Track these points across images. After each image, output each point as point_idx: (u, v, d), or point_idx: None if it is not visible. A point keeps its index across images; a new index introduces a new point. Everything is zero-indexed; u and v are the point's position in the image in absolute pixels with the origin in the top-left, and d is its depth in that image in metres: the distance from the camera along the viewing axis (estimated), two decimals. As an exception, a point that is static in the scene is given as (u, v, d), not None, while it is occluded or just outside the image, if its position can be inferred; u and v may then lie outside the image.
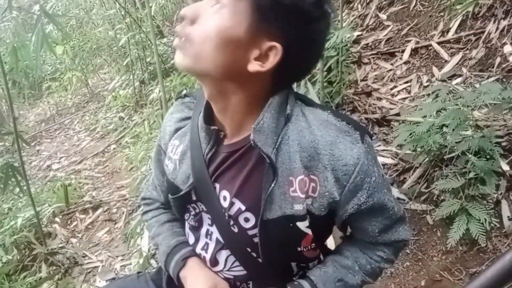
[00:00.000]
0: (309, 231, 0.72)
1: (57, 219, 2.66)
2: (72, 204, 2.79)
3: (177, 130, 0.83)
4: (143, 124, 3.33)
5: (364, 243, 0.80)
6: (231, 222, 0.75)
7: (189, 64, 0.67)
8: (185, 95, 0.87)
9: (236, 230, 0.75)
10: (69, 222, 2.69)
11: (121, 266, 2.17)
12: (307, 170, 0.69)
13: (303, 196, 0.69)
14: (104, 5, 4.41)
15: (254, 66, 0.65)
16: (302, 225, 0.71)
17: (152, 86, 3.80)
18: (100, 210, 2.70)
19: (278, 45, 0.63)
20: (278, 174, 0.69)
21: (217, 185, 0.76)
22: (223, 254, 0.79)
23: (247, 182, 0.72)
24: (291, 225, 0.71)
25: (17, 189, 2.21)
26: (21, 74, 4.45)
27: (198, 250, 0.83)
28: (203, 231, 0.82)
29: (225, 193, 0.74)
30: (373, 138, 0.76)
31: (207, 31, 0.64)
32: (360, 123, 0.76)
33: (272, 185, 0.68)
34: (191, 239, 0.85)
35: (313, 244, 0.76)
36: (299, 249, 0.75)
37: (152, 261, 1.99)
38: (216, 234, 0.79)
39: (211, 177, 0.75)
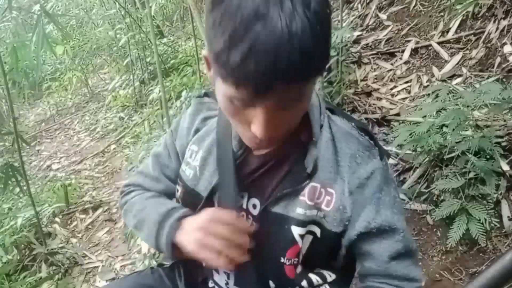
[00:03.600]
0: (299, 241, 0.71)
1: (57, 219, 2.66)
2: (72, 204, 2.79)
3: (196, 131, 0.81)
4: (143, 124, 3.33)
5: (373, 276, 0.73)
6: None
7: (277, 144, 0.68)
8: (205, 94, 0.85)
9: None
10: (69, 222, 2.69)
11: (121, 266, 2.17)
12: (327, 182, 0.70)
13: (310, 203, 0.69)
14: (104, 5, 4.41)
15: (315, 87, 0.65)
16: (296, 231, 0.70)
17: (152, 86, 3.80)
18: (100, 210, 2.70)
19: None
20: (311, 181, 0.69)
21: (245, 194, 0.75)
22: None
23: (277, 189, 0.72)
24: (286, 226, 0.70)
25: (17, 189, 2.21)
26: (21, 74, 4.44)
27: None
28: None
29: (254, 201, 0.74)
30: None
31: (295, 122, 0.63)
32: (380, 144, 0.77)
33: (293, 189, 0.69)
34: None
35: (296, 259, 0.72)
36: (282, 260, 0.72)
37: (153, 261, 1.99)
38: None
39: (240, 186, 0.74)
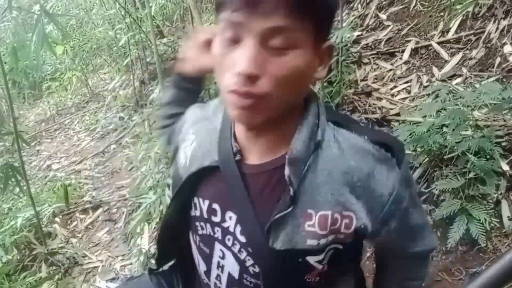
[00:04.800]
0: (318, 265, 0.66)
1: (57, 219, 2.66)
2: (72, 204, 2.79)
3: (196, 122, 0.78)
4: (143, 124, 3.34)
5: (392, 264, 0.79)
6: (249, 260, 0.68)
7: (265, 117, 0.59)
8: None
9: (255, 270, 0.69)
10: (69, 222, 2.69)
11: (121, 266, 2.17)
12: (341, 206, 0.63)
13: (322, 232, 0.63)
14: (104, 5, 4.41)
15: (320, 74, 0.62)
16: (312, 260, 0.65)
17: (152, 86, 3.80)
18: (100, 210, 2.70)
19: (331, 41, 0.61)
20: (297, 205, 0.62)
21: (234, 216, 0.68)
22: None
23: (260, 207, 0.65)
24: (300, 260, 0.65)
25: (17, 189, 2.21)
26: (21, 74, 4.44)
27: (212, 279, 0.75)
28: (214, 261, 0.73)
29: (242, 226, 0.67)
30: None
31: (286, 81, 0.56)
32: (397, 140, 0.72)
33: (283, 213, 0.62)
34: (202, 267, 0.76)
35: (318, 278, 0.68)
36: (304, 278, 0.68)
37: (152, 261, 1.98)
38: (228, 268, 0.71)
39: (226, 201, 0.69)
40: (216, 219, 0.70)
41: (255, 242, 0.66)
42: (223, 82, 0.59)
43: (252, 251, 0.67)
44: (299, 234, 0.63)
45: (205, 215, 0.71)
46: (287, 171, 0.62)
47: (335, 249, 0.66)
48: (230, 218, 0.69)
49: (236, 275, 0.70)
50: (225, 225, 0.69)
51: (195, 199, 0.73)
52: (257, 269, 0.67)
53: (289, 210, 0.62)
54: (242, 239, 0.67)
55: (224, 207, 0.69)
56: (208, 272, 0.75)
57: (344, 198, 0.62)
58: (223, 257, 0.72)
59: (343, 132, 0.65)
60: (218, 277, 0.74)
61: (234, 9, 0.54)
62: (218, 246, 0.71)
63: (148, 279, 0.90)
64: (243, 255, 0.68)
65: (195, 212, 0.73)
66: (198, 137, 0.75)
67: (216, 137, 0.71)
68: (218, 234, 0.71)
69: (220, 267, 0.73)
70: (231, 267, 0.71)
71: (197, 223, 0.73)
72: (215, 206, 0.70)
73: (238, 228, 0.68)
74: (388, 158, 0.64)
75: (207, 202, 0.71)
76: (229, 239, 0.69)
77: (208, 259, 0.74)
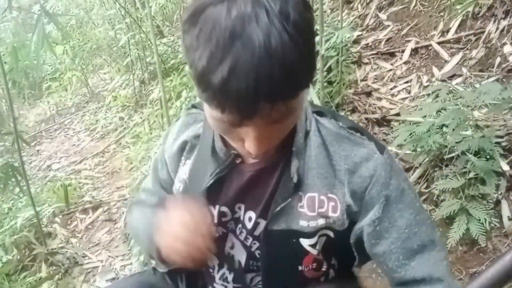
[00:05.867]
0: (312, 250, 0.70)
1: (57, 219, 2.66)
2: (72, 204, 2.79)
3: (184, 144, 0.79)
4: (143, 124, 3.33)
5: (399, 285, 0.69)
6: (255, 245, 0.72)
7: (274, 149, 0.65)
8: (193, 106, 0.83)
9: (259, 253, 0.72)
10: (69, 222, 2.69)
11: (121, 266, 2.17)
12: (325, 188, 0.67)
13: (312, 214, 0.67)
14: (104, 5, 4.40)
15: (308, 92, 0.66)
16: (306, 243, 0.69)
17: (152, 86, 3.80)
18: (100, 210, 2.69)
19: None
20: (299, 191, 0.67)
21: (242, 206, 0.73)
22: (247, 277, 0.77)
23: (271, 200, 0.69)
24: (294, 240, 0.69)
25: (17, 189, 2.21)
26: (21, 74, 4.44)
27: (222, 271, 0.80)
28: (226, 252, 0.78)
29: (250, 213, 0.72)
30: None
31: (289, 128, 0.60)
32: (376, 138, 0.75)
33: (287, 202, 0.67)
34: (215, 261, 0.80)
35: (314, 264, 0.73)
36: (300, 268, 0.72)
37: (153, 261, 1.98)
38: (238, 256, 0.76)
39: (235, 198, 0.73)
40: (226, 218, 0.75)
41: (259, 225, 0.71)
42: (233, 144, 0.63)
43: (257, 235, 0.72)
44: (292, 214, 0.68)
45: (216, 220, 0.75)
46: (295, 163, 0.67)
47: (327, 237, 0.70)
48: (239, 208, 0.73)
49: (243, 262, 0.75)
50: (236, 215, 0.74)
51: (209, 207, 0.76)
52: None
53: (291, 198, 0.67)
54: (249, 225, 0.73)
55: (232, 205, 0.74)
56: (221, 265, 0.79)
57: (328, 181, 0.67)
58: (232, 247, 0.76)
59: (323, 121, 0.71)
60: (228, 267, 0.78)
61: (228, 114, 0.52)
62: (230, 238, 0.76)
63: (152, 273, 0.91)
64: (249, 241, 0.73)
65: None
66: (190, 159, 0.77)
67: (209, 151, 0.73)
68: (231, 226, 0.76)
69: (230, 257, 0.77)
70: (239, 255, 0.75)
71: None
72: (224, 209, 0.74)
73: (247, 216, 0.73)
74: (366, 141, 0.68)
75: (217, 207, 0.74)
76: (239, 228, 0.74)
77: (220, 253, 0.77)
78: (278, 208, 0.67)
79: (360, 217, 0.69)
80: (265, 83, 0.47)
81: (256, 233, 0.72)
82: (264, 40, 0.46)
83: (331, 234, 0.70)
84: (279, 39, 0.47)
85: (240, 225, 0.74)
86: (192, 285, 0.86)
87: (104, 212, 2.67)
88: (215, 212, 0.74)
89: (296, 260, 0.71)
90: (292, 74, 0.49)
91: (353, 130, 0.69)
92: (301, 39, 0.49)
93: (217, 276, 0.80)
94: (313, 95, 1.94)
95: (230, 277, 0.78)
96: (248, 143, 0.57)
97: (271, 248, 0.70)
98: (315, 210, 0.67)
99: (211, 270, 0.82)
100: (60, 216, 2.71)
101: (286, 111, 0.54)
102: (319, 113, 0.72)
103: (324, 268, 0.75)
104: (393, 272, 0.69)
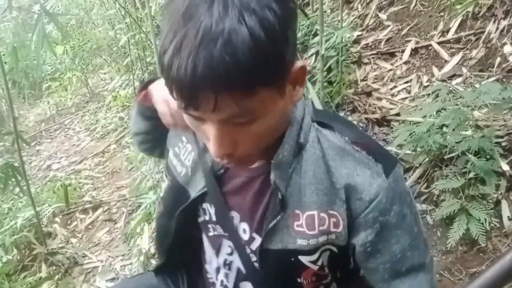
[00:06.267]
0: (312, 266, 0.67)
1: (57, 219, 2.66)
2: (72, 204, 2.79)
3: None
4: (143, 124, 3.33)
5: None
6: (254, 258, 0.70)
7: (253, 158, 0.62)
8: None
9: (258, 265, 0.70)
10: (69, 222, 2.68)
11: (121, 266, 2.17)
12: (325, 205, 0.63)
13: (311, 232, 0.64)
14: (104, 5, 4.40)
15: (298, 94, 0.59)
16: (305, 259, 0.66)
17: (152, 86, 3.78)
18: (100, 210, 2.69)
19: (303, 61, 0.57)
20: (287, 207, 0.64)
21: (235, 214, 0.71)
22: (247, 286, 0.75)
23: (264, 217, 0.67)
24: (292, 259, 0.66)
25: (17, 189, 2.21)
26: (21, 74, 4.44)
27: (220, 277, 0.78)
28: (221, 260, 0.76)
29: (244, 225, 0.70)
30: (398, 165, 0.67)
31: (263, 137, 0.57)
32: (387, 152, 0.70)
33: (277, 219, 0.64)
34: (214, 264, 0.79)
35: (314, 277, 0.70)
36: (299, 280, 0.69)
37: (153, 261, 1.98)
38: (237, 263, 0.74)
39: (227, 204, 0.71)
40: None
41: (255, 241, 0.69)
42: (204, 141, 0.59)
43: (254, 250, 0.70)
44: (289, 234, 0.65)
45: (214, 218, 0.73)
46: (272, 176, 0.63)
47: (330, 251, 0.67)
48: (232, 217, 0.71)
49: (242, 269, 0.73)
50: (231, 223, 0.72)
51: (204, 205, 0.75)
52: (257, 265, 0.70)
53: (280, 215, 0.64)
54: (245, 237, 0.70)
55: (227, 209, 0.72)
56: (218, 270, 0.78)
57: (328, 198, 0.63)
58: (231, 253, 0.75)
59: (326, 133, 0.66)
60: (226, 274, 0.77)
61: (183, 107, 0.51)
62: (226, 243, 0.74)
63: (153, 275, 0.90)
64: (247, 251, 0.71)
65: (204, 217, 0.75)
66: (194, 147, 0.75)
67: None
68: (228, 231, 0.74)
69: (227, 264, 0.75)
70: (237, 263, 0.74)
71: (209, 226, 0.76)
72: (219, 211, 0.73)
73: (241, 227, 0.71)
74: (371, 161, 0.63)
75: (213, 206, 0.73)
76: (236, 238, 0.73)
77: (217, 257, 0.77)
78: (270, 226, 0.65)
79: (350, 234, 0.66)
80: (204, 68, 0.45)
81: (253, 247, 0.70)
82: (211, 23, 0.44)
83: (335, 249, 0.67)
84: (229, 25, 0.44)
85: (236, 236, 0.72)
86: (193, 287, 0.86)
87: (104, 212, 2.67)
88: (212, 210, 0.73)
89: (295, 273, 0.69)
90: (239, 64, 0.45)
91: (360, 146, 0.64)
92: (261, 31, 0.45)
93: (217, 283, 0.80)
94: (313, 95, 1.94)
95: (230, 284, 0.77)
96: (209, 142, 0.54)
97: (269, 264, 0.69)
98: (315, 228, 0.64)
99: (210, 276, 0.81)
100: (60, 216, 2.71)
101: (241, 110, 0.50)
102: (322, 124, 0.67)
103: (326, 281, 0.72)
104: (375, 284, 0.68)
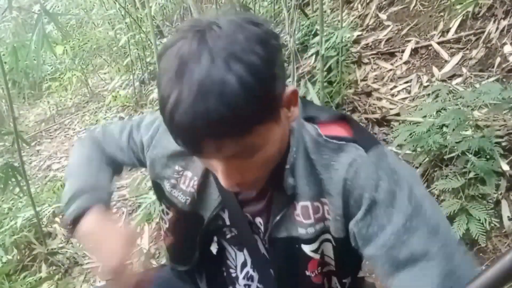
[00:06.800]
0: (314, 255, 0.71)
1: (57, 219, 2.66)
2: (72, 204, 2.79)
3: (181, 153, 0.77)
4: (143, 124, 3.32)
5: None
6: (263, 250, 0.77)
7: (260, 182, 0.65)
8: None
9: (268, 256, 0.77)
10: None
11: (121, 266, 2.17)
12: (316, 196, 0.67)
13: (308, 221, 0.68)
14: (104, 5, 4.41)
15: (294, 114, 0.62)
16: (307, 249, 0.70)
17: (152, 86, 3.80)
18: (100, 210, 2.69)
19: (290, 89, 0.59)
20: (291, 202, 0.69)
21: (248, 214, 0.76)
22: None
23: (270, 211, 0.72)
24: (296, 246, 0.70)
25: (17, 189, 2.21)
26: (21, 74, 4.44)
27: (243, 273, 0.83)
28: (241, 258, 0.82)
29: (259, 219, 0.75)
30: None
31: (267, 165, 0.61)
32: (369, 134, 0.73)
33: (283, 212, 0.69)
34: (239, 259, 0.83)
35: (319, 269, 0.73)
36: (307, 273, 0.73)
37: (153, 261, 1.98)
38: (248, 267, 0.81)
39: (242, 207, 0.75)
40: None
41: (268, 231, 0.73)
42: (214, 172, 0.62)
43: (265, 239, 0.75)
44: (291, 222, 0.70)
45: (228, 222, 0.78)
46: (289, 180, 0.67)
47: (330, 242, 0.70)
48: (246, 216, 0.76)
49: (255, 275, 0.80)
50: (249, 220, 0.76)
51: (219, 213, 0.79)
52: None
53: (285, 209, 0.69)
54: (262, 228, 0.75)
55: (242, 211, 0.76)
56: (244, 264, 0.82)
57: (317, 189, 0.67)
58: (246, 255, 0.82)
59: (308, 128, 0.69)
60: (248, 273, 0.81)
61: (190, 153, 0.57)
62: (253, 237, 0.78)
63: (169, 270, 0.92)
64: (265, 245, 0.76)
65: (219, 222, 0.79)
66: (196, 172, 0.77)
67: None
68: (254, 228, 0.78)
69: (260, 256, 0.79)
70: (249, 268, 0.80)
71: (224, 229, 0.80)
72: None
73: (257, 220, 0.75)
74: (344, 146, 0.65)
75: (227, 211, 0.77)
76: (257, 229, 0.76)
77: (239, 255, 0.82)
78: (278, 218, 0.69)
79: (346, 220, 0.66)
80: (202, 120, 0.49)
81: (267, 238, 0.74)
82: (202, 78, 0.48)
83: (332, 240, 0.69)
84: (219, 77, 0.48)
85: (255, 227, 0.76)
86: (212, 283, 0.87)
87: (104, 212, 2.67)
88: (225, 215, 0.77)
89: (301, 263, 0.72)
90: (234, 112, 0.48)
91: (329, 134, 0.67)
92: (250, 76, 0.48)
93: (240, 276, 0.83)
94: (313, 95, 1.95)
95: (255, 275, 0.81)
96: (219, 177, 0.58)
97: (277, 253, 0.73)
98: (310, 217, 0.68)
99: (232, 271, 0.84)
100: (60, 216, 2.70)
101: (242, 148, 0.53)
102: (307, 118, 0.70)
103: (333, 273, 0.75)
104: (381, 280, 0.62)
